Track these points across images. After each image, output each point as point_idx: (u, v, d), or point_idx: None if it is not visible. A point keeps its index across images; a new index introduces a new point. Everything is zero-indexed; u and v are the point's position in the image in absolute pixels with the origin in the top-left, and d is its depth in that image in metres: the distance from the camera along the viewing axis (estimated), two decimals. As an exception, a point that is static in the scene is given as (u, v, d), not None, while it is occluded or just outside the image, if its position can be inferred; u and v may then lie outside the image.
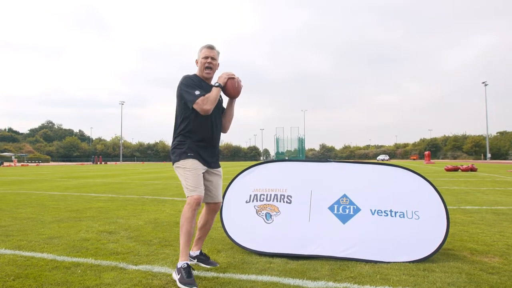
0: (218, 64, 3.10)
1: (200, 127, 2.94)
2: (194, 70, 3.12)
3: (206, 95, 2.85)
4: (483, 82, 66.18)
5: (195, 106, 2.82)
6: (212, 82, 3.06)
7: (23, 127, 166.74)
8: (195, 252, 3.13)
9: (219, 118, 3.11)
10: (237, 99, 3.15)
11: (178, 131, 2.97)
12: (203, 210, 3.19)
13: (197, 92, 2.84)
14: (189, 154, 2.88)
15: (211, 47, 3.01)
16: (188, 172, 2.84)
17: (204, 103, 2.82)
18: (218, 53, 3.06)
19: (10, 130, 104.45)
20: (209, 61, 2.97)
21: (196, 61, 3.06)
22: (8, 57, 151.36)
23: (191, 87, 2.88)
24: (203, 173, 2.94)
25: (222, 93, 3.08)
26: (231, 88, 3.02)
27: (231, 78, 3.01)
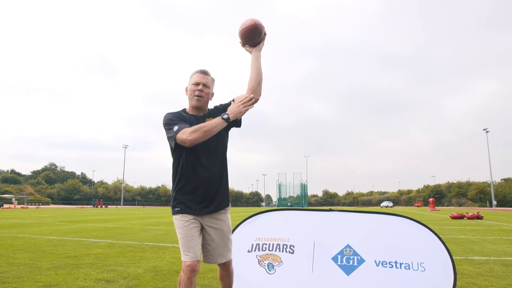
0: (213, 93, 2.58)
1: (190, 170, 2.42)
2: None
3: (196, 126, 2.31)
4: (484, 129, 66.82)
5: (177, 141, 2.32)
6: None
7: (26, 169, 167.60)
8: None
9: (220, 145, 2.51)
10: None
11: (172, 179, 2.53)
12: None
13: (175, 128, 2.35)
14: (176, 209, 2.43)
15: (204, 72, 2.51)
16: (178, 231, 2.41)
17: (183, 132, 2.28)
18: (213, 80, 2.56)
19: (12, 171, 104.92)
20: (200, 88, 2.45)
21: (186, 89, 2.57)
22: (16, 99, 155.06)
23: (169, 124, 2.41)
24: (204, 225, 2.47)
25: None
26: (246, 35, 2.53)
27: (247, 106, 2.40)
